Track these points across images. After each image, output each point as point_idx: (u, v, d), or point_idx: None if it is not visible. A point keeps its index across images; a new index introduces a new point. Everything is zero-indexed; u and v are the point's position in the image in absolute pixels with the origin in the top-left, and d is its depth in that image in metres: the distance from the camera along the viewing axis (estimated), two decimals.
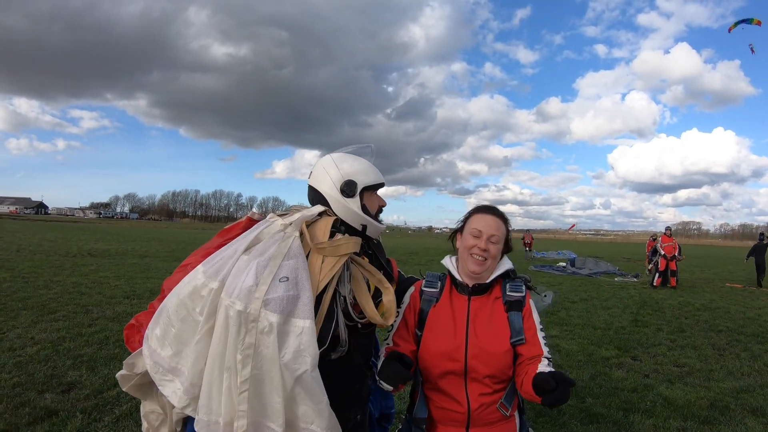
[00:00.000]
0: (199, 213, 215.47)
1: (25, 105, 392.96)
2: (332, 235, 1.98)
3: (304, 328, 1.72)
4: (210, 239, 2.20)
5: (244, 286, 1.72)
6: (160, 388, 1.88)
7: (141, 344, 2.00)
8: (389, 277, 2.22)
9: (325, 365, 1.81)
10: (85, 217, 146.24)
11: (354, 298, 1.97)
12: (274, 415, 1.70)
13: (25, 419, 4.35)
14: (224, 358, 1.71)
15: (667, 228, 19.32)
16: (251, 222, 2.12)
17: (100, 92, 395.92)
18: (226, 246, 1.95)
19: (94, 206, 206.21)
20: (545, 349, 2.09)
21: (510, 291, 2.18)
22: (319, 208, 2.07)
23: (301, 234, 1.94)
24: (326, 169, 2.14)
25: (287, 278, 1.76)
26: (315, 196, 2.16)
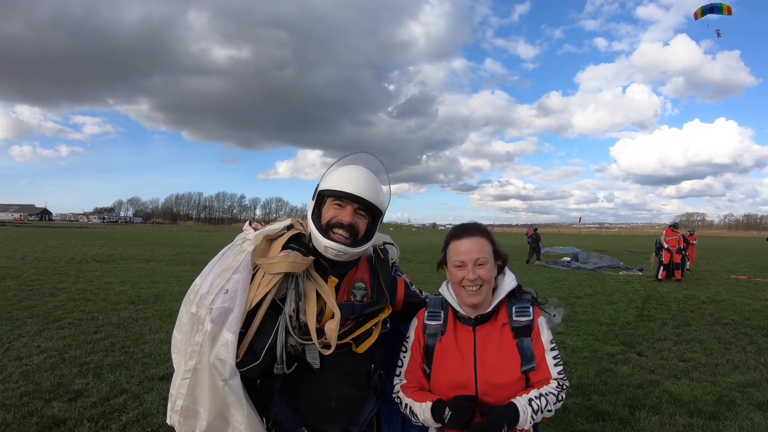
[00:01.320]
0: (202, 215, 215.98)
1: (28, 112, 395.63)
2: (284, 249, 2.00)
3: (227, 340, 1.85)
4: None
5: (201, 291, 1.91)
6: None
7: None
8: (381, 297, 2.12)
9: (289, 379, 2.00)
10: (89, 223, 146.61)
11: (298, 315, 1.98)
12: (205, 403, 1.87)
13: (33, 428, 4.37)
14: (184, 353, 1.92)
15: (674, 223, 19.28)
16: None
17: (102, 98, 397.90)
18: (216, 257, 2.08)
19: (98, 211, 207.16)
20: (554, 371, 2.02)
21: (516, 316, 2.06)
22: (285, 222, 2.11)
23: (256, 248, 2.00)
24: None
25: (227, 291, 1.89)
26: None
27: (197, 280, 1.98)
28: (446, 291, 2.18)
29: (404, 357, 2.20)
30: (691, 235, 20.69)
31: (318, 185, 2.08)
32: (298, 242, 2.01)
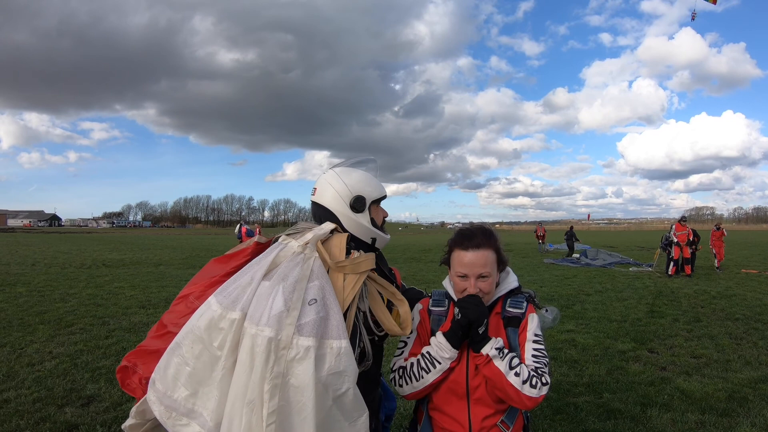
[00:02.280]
0: (211, 218, 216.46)
1: (36, 119, 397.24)
2: (348, 252, 1.97)
3: (341, 348, 1.70)
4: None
5: (273, 312, 1.68)
6: None
7: (141, 387, 1.93)
8: (396, 287, 2.21)
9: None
10: (98, 228, 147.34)
11: (371, 312, 1.97)
12: None
13: None
14: (246, 390, 1.65)
15: (682, 217, 19.15)
16: (259, 246, 2.09)
17: (109, 103, 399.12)
18: (238, 274, 1.92)
19: (107, 216, 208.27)
20: (530, 360, 2.02)
21: (510, 307, 2.13)
22: (330, 225, 2.07)
23: (318, 253, 1.93)
24: (332, 184, 2.13)
25: (315, 300, 1.75)
26: (322, 213, 2.15)
27: (213, 300, 1.81)
28: (448, 284, 2.23)
29: (410, 338, 2.22)
30: (718, 229, 19.85)
31: (357, 196, 2.13)
32: (354, 241, 2.10)
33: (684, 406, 5.03)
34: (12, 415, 4.78)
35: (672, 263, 17.30)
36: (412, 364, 2.09)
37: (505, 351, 1.98)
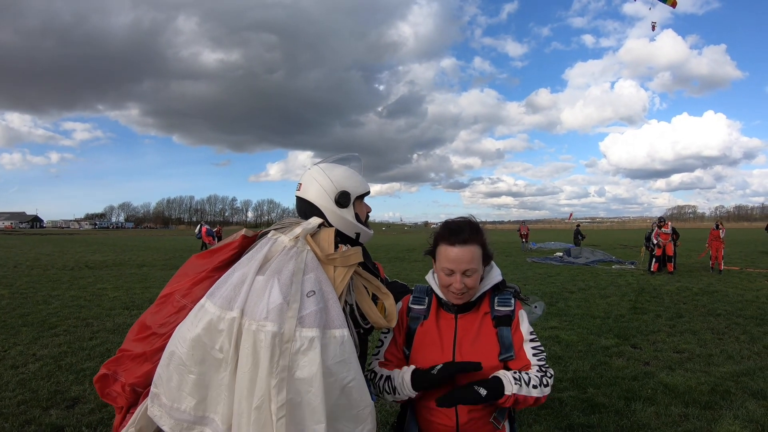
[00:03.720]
0: (194, 219, 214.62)
1: (18, 119, 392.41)
2: (336, 245, 1.98)
3: (343, 336, 1.71)
4: (186, 262, 2.07)
5: (271, 306, 1.67)
6: None
7: (123, 394, 1.89)
8: (380, 280, 2.22)
9: None
10: (80, 229, 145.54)
11: (357, 305, 1.97)
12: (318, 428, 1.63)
13: None
14: (254, 387, 1.63)
15: (661, 219, 19.33)
16: (246, 240, 2.06)
17: (91, 104, 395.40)
18: (228, 272, 1.87)
19: (89, 217, 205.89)
20: (533, 359, 2.02)
21: (498, 305, 2.10)
22: (317, 220, 2.07)
23: (309, 246, 1.94)
24: (317, 180, 2.15)
25: (313, 291, 1.75)
26: (307, 208, 2.15)
27: (207, 302, 1.76)
28: (431, 279, 2.22)
29: (385, 338, 2.22)
30: (717, 228, 18.60)
31: (342, 192, 2.14)
32: (339, 236, 2.09)
33: (667, 399, 5.12)
34: None
35: (654, 260, 17.51)
36: (380, 377, 2.08)
37: (517, 376, 1.93)
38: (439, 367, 1.93)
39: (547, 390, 1.98)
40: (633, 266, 19.90)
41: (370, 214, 2.32)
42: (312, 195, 2.14)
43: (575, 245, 29.45)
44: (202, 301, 1.78)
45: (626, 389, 5.41)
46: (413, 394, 1.97)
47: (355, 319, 1.94)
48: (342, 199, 2.12)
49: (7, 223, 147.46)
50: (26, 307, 10.74)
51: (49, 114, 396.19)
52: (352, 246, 2.07)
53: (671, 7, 24.51)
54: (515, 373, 1.94)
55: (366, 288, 2.03)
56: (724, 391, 5.32)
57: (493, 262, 2.20)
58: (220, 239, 32.87)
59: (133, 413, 1.89)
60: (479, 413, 2.03)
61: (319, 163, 2.26)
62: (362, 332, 2.03)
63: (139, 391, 1.89)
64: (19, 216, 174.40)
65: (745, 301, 11.22)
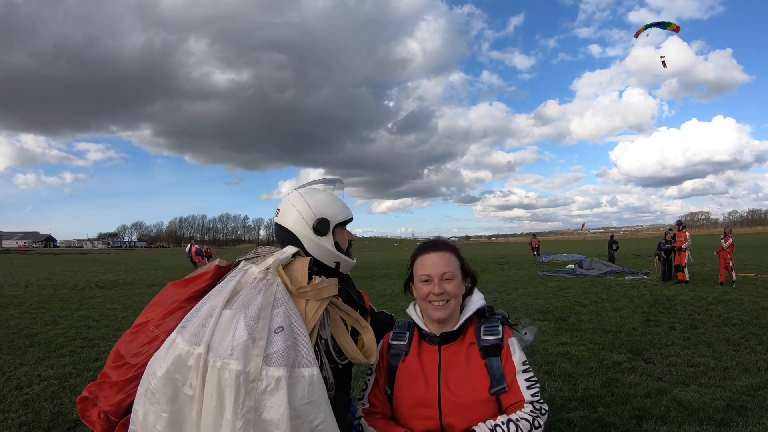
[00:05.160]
0: (207, 237, 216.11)
1: (32, 141, 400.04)
2: (309, 277, 1.90)
3: (312, 376, 1.64)
4: (162, 290, 2.06)
5: (236, 343, 1.60)
6: None
7: (99, 421, 1.83)
8: (362, 311, 2.15)
9: None
10: (93, 248, 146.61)
11: (333, 340, 1.89)
12: None
13: None
14: (219, 427, 1.55)
15: (678, 222, 19.17)
16: (219, 270, 2.00)
17: (104, 124, 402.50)
18: (199, 304, 1.82)
19: (103, 237, 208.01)
20: (527, 393, 1.92)
21: (485, 335, 2.00)
22: (292, 249, 2.00)
23: (280, 278, 1.86)
24: (295, 206, 2.08)
25: (282, 327, 1.68)
26: (285, 236, 2.10)
27: (178, 337, 1.70)
28: (413, 311, 2.14)
29: (369, 380, 2.14)
30: (726, 235, 17.00)
31: (321, 219, 2.07)
32: (316, 265, 2.04)
33: (681, 417, 4.94)
34: None
35: (666, 268, 17.33)
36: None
37: (506, 429, 1.83)
38: None
39: (538, 431, 1.87)
40: (646, 277, 19.60)
41: (352, 242, 2.23)
42: (290, 222, 2.09)
43: (610, 256, 29.25)
44: (173, 335, 1.72)
45: (638, 407, 5.23)
46: None
47: (330, 354, 1.86)
48: (320, 227, 2.06)
49: (21, 243, 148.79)
50: (34, 327, 10.75)
51: (62, 135, 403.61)
52: (331, 276, 1.99)
53: (675, 32, 24.50)
54: (499, 425, 1.83)
55: (344, 321, 1.95)
56: (740, 406, 5.13)
57: (476, 289, 2.13)
58: (210, 258, 33.37)
59: None
60: None
61: (299, 188, 2.20)
62: (341, 368, 1.94)
63: (113, 420, 1.83)
64: (33, 236, 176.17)
65: (761, 308, 11.00)
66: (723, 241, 16.88)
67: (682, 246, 17.47)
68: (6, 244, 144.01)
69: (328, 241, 2.07)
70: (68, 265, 40.41)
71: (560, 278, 21.24)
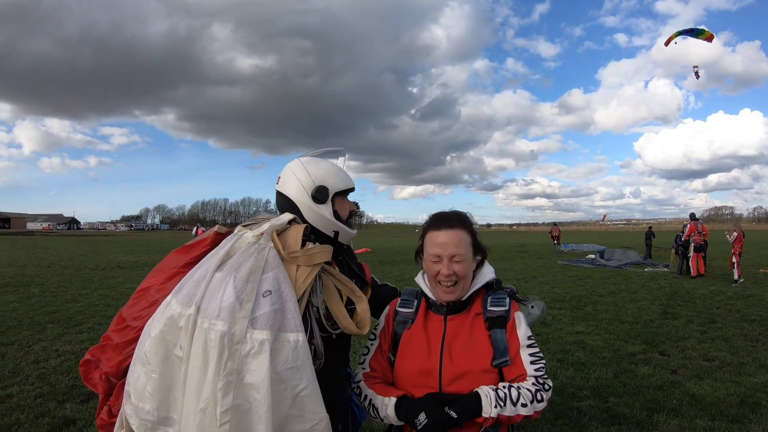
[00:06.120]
0: (228, 221, 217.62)
1: (57, 125, 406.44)
2: (303, 243, 1.89)
3: (297, 341, 1.63)
4: (166, 256, 2.11)
5: (224, 304, 1.61)
6: None
7: (101, 383, 1.88)
8: (362, 283, 2.16)
9: None
10: (116, 231, 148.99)
11: (326, 308, 1.89)
12: None
13: (45, 428, 4.47)
14: (201, 387, 1.56)
15: (692, 215, 18.82)
16: (218, 236, 2.01)
17: (129, 109, 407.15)
18: (195, 267, 1.84)
19: (125, 219, 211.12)
20: (531, 368, 1.86)
21: (491, 306, 1.95)
22: (288, 216, 2.00)
23: (273, 243, 1.85)
24: (295, 174, 2.07)
25: (270, 291, 1.68)
26: (284, 203, 2.09)
27: (173, 299, 1.72)
28: (421, 279, 2.09)
29: (371, 344, 2.11)
30: (733, 233, 16.49)
31: (320, 186, 2.06)
32: (314, 233, 2.03)
33: (693, 411, 4.85)
34: (13, 410, 4.85)
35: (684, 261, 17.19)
36: (365, 397, 1.97)
37: (501, 394, 1.79)
38: (424, 422, 1.78)
39: (541, 405, 1.83)
40: (666, 269, 19.28)
41: (354, 213, 2.20)
42: (289, 189, 2.08)
43: (647, 249, 28.29)
44: (168, 297, 1.75)
45: (650, 399, 5.16)
46: (399, 423, 1.88)
47: (321, 322, 1.85)
48: (319, 195, 2.04)
49: (45, 225, 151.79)
50: (55, 305, 10.98)
51: (87, 119, 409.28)
52: (329, 245, 1.97)
53: (708, 41, 23.34)
54: (501, 389, 1.81)
55: (340, 291, 1.94)
56: (754, 403, 5.03)
57: (486, 262, 2.07)
58: None
59: (110, 403, 1.90)
60: (473, 428, 1.86)
61: (300, 156, 2.18)
62: (335, 338, 1.93)
63: (113, 381, 1.88)
64: (57, 218, 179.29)
65: None
66: (728, 236, 16.69)
67: (687, 239, 17.28)
68: (30, 226, 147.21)
69: (326, 210, 2.06)
70: (91, 247, 41.21)
71: (579, 268, 21.04)
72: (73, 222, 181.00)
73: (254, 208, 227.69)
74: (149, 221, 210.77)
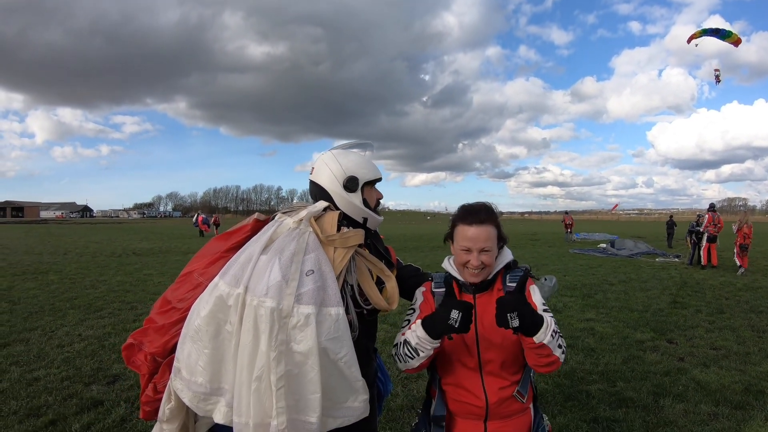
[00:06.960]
0: (240, 208, 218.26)
1: (69, 114, 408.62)
2: (338, 228, 2.08)
3: (338, 315, 1.84)
4: (207, 242, 2.30)
5: (271, 283, 1.81)
6: (208, 415, 1.90)
7: (146, 363, 2.06)
8: (389, 264, 2.32)
9: None
10: (129, 218, 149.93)
11: (359, 286, 2.07)
12: (310, 408, 1.77)
13: (73, 409, 4.63)
14: (254, 358, 1.77)
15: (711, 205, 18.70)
16: (258, 223, 2.21)
17: (140, 98, 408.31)
18: (239, 252, 2.02)
19: (138, 207, 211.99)
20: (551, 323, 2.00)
21: (509, 282, 2.14)
22: (323, 203, 2.18)
23: (312, 228, 2.03)
24: (328, 165, 2.24)
25: (312, 271, 1.87)
26: (317, 192, 2.26)
27: (220, 281, 1.91)
28: (448, 265, 2.27)
29: (411, 316, 2.26)
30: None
31: (351, 177, 2.22)
32: (345, 219, 2.21)
33: (698, 397, 4.99)
34: (41, 392, 5.02)
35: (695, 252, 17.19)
36: (400, 344, 2.12)
37: (556, 329, 1.97)
38: (458, 317, 1.91)
39: (563, 357, 2.01)
40: (678, 259, 19.27)
41: (381, 200, 2.36)
42: (323, 179, 2.25)
43: (668, 237, 28.97)
44: (215, 279, 1.93)
45: (657, 384, 5.30)
46: (435, 342, 1.99)
47: (356, 299, 2.04)
48: (350, 184, 2.21)
49: (59, 213, 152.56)
50: (74, 291, 11.21)
51: (99, 108, 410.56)
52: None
53: (734, 45, 22.45)
54: (557, 326, 1.99)
55: (370, 271, 2.12)
56: (757, 391, 5.15)
57: (505, 247, 2.25)
58: (218, 227, 35.22)
59: (155, 381, 2.08)
60: (506, 392, 2.10)
61: (332, 148, 2.35)
62: (366, 313, 2.11)
63: (159, 360, 2.07)
64: (70, 206, 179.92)
65: None
66: (734, 227, 16.78)
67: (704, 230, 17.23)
68: (44, 214, 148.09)
69: (357, 198, 2.23)
70: (105, 234, 41.59)
71: (591, 257, 21.10)
72: (86, 210, 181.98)
73: (266, 195, 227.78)
74: (162, 208, 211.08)
